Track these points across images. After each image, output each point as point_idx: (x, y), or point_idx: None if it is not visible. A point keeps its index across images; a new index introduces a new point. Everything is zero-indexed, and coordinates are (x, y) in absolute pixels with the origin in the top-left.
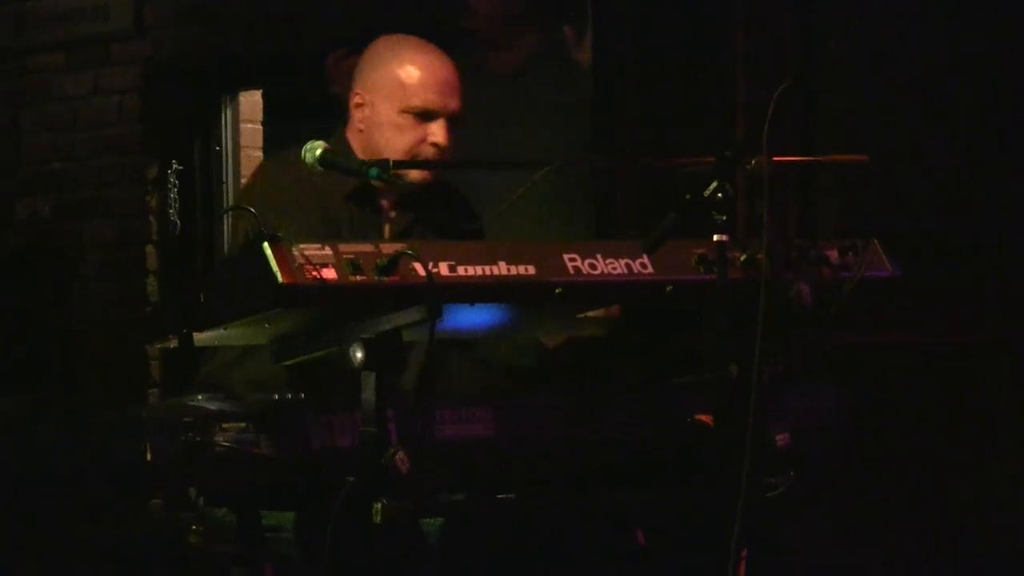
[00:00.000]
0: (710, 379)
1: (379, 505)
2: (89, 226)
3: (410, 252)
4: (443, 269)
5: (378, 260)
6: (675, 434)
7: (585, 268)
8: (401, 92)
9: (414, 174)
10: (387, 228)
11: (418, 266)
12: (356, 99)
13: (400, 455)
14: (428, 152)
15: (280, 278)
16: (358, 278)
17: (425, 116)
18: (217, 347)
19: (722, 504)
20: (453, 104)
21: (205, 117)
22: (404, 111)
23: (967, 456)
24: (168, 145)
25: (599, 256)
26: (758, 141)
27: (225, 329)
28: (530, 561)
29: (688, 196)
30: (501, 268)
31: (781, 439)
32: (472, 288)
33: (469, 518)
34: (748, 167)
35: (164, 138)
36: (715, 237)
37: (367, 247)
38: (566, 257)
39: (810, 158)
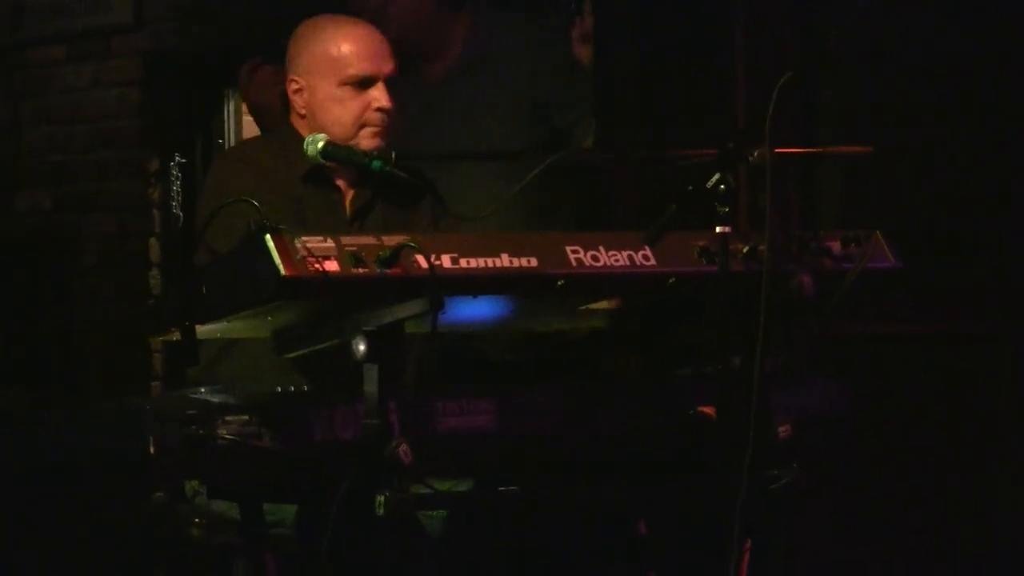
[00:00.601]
0: (712, 371)
1: (382, 498)
2: (89, 219)
3: (412, 244)
4: (445, 261)
5: (380, 252)
6: (677, 426)
7: (587, 260)
8: (335, 66)
9: (365, 143)
10: (348, 207)
11: (420, 258)
12: (292, 85)
13: (403, 448)
14: (375, 118)
15: (282, 270)
16: (360, 270)
17: (363, 83)
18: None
19: (725, 496)
20: (387, 67)
21: (207, 110)
22: (342, 83)
23: (967, 449)
24: (169, 138)
25: (601, 248)
26: (760, 133)
27: (227, 321)
28: (532, 554)
29: (690, 188)
30: (503, 260)
31: (783, 431)
32: (474, 280)
33: (471, 511)
34: (750, 159)
35: (165, 131)
36: (717, 229)
37: (369, 239)
38: (568, 249)
39: (813, 150)
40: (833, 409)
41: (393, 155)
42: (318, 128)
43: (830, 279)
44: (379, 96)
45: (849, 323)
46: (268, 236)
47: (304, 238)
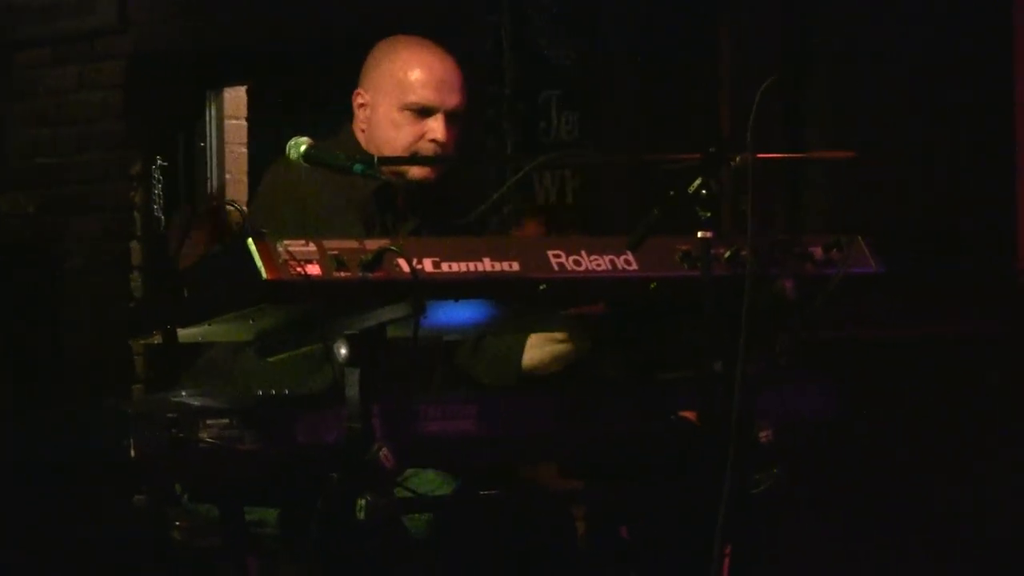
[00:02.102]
0: (695, 375)
1: (363, 501)
2: (74, 221)
3: (394, 248)
4: (427, 265)
5: (362, 256)
6: (660, 431)
7: (570, 264)
8: (399, 90)
9: (414, 172)
10: (400, 230)
11: (402, 262)
12: (359, 99)
13: (384, 452)
14: (427, 148)
15: (264, 274)
16: (342, 274)
17: (423, 112)
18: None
19: (706, 501)
20: (451, 101)
21: (189, 113)
22: (402, 108)
23: (956, 451)
24: (152, 141)
25: (583, 252)
26: (743, 137)
27: (209, 325)
28: (514, 558)
29: (672, 192)
30: (486, 264)
31: (765, 435)
32: (456, 284)
33: (454, 514)
34: (733, 163)
35: (148, 134)
36: (699, 233)
37: (351, 243)
38: (550, 253)
39: (796, 154)
40: (819, 413)
41: (376, 159)
42: (373, 144)
43: (812, 284)
44: (436, 128)
45: (835, 327)
46: (250, 240)
47: (287, 242)
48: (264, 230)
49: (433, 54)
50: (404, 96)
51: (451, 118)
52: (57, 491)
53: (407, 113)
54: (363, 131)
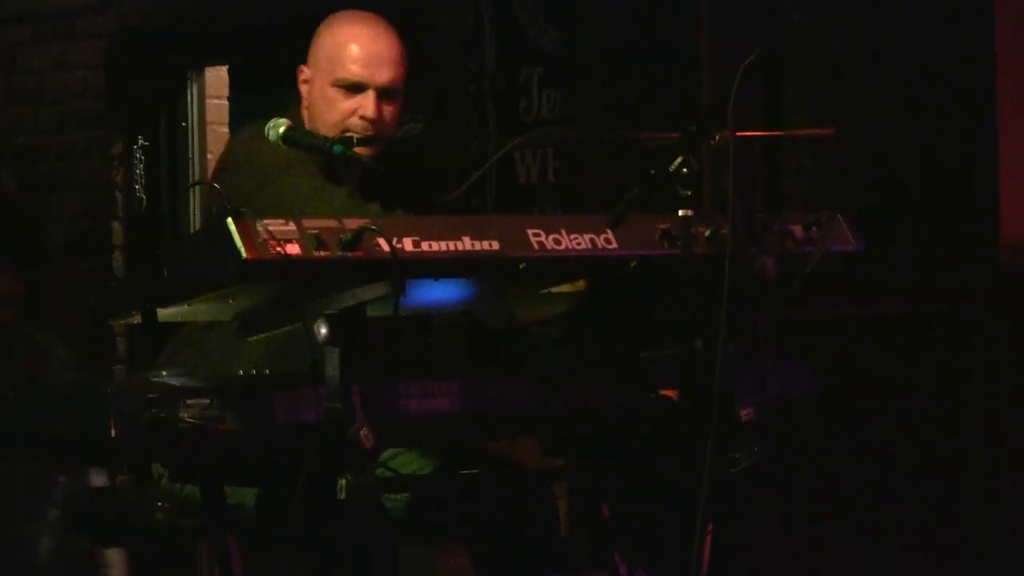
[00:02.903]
0: (676, 354)
1: (343, 481)
2: (54, 200)
3: (374, 227)
4: (407, 244)
5: (342, 235)
6: (640, 409)
7: (549, 243)
8: (331, 65)
9: (359, 150)
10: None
11: (382, 241)
12: (302, 76)
13: (364, 431)
14: (357, 125)
15: (244, 253)
16: (322, 253)
17: (354, 88)
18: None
19: (687, 479)
20: (382, 77)
21: (171, 92)
22: (334, 84)
23: (935, 429)
24: (134, 120)
25: (563, 231)
26: (723, 115)
27: (189, 305)
28: (495, 536)
29: (653, 171)
30: (465, 243)
31: (746, 414)
32: (436, 263)
33: (434, 493)
34: (713, 142)
35: (129, 113)
36: (680, 212)
37: (331, 222)
38: (530, 232)
39: (775, 132)
40: (799, 391)
41: (354, 139)
42: (312, 121)
43: (793, 261)
44: (366, 104)
45: (816, 305)
46: (230, 219)
47: (266, 221)
48: (230, 205)
49: (369, 28)
50: (335, 72)
51: (384, 94)
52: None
53: (338, 89)
54: (306, 107)
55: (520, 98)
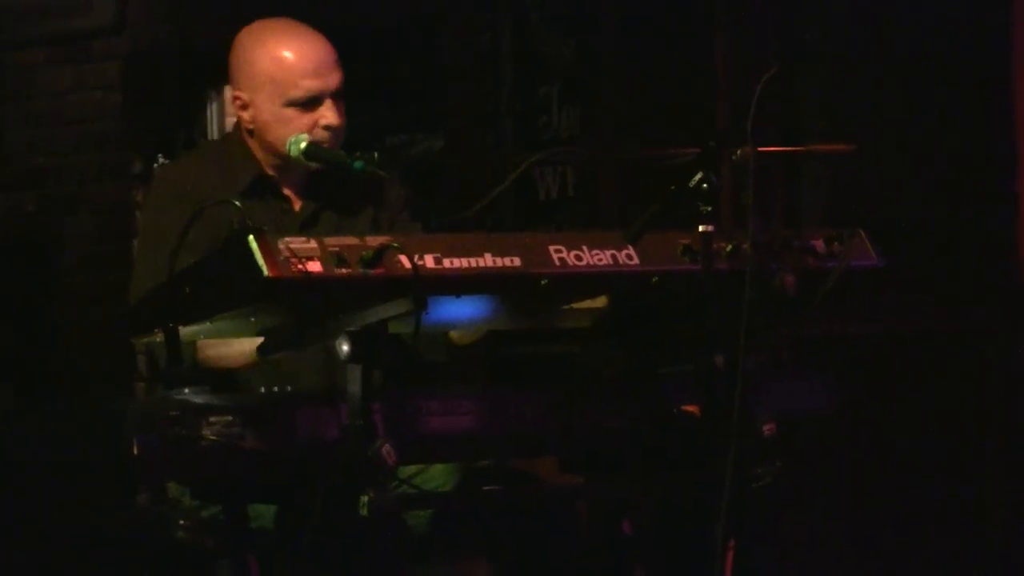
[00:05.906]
0: (696, 369)
1: (365, 498)
2: (71, 221)
3: (395, 244)
4: (428, 261)
5: (363, 253)
6: (662, 425)
7: (571, 259)
8: (278, 87)
9: (313, 163)
10: (295, 218)
11: (403, 258)
12: (237, 102)
13: (386, 448)
14: (323, 136)
15: (266, 271)
16: (343, 271)
17: (310, 103)
18: None
19: (709, 495)
20: (333, 81)
21: (189, 111)
22: (287, 104)
23: (953, 446)
24: (151, 140)
25: (585, 247)
26: (742, 131)
27: (210, 323)
28: (516, 553)
29: (672, 187)
30: (487, 260)
31: (768, 429)
32: (458, 280)
33: (455, 510)
34: (733, 157)
35: (147, 133)
36: (700, 228)
37: (352, 240)
38: (552, 248)
39: (796, 148)
40: (818, 407)
41: (376, 156)
42: (266, 145)
43: (813, 277)
44: (327, 114)
45: (835, 321)
46: (251, 237)
47: (287, 239)
48: (156, 229)
49: (301, 39)
50: (287, 92)
51: (336, 96)
52: (58, 491)
53: (293, 108)
54: (251, 132)
55: (538, 115)
